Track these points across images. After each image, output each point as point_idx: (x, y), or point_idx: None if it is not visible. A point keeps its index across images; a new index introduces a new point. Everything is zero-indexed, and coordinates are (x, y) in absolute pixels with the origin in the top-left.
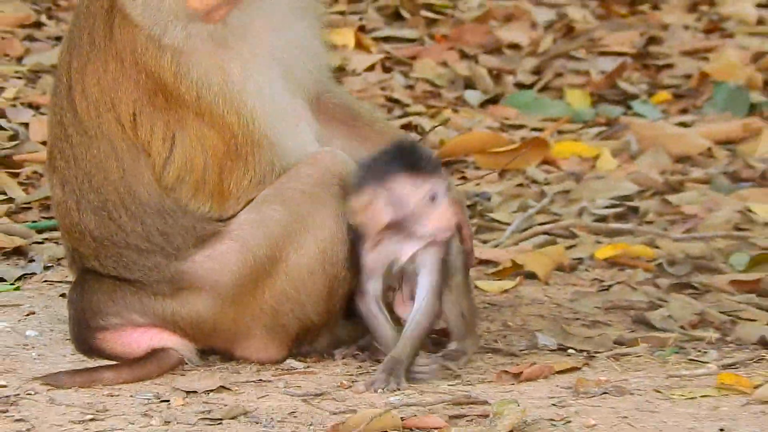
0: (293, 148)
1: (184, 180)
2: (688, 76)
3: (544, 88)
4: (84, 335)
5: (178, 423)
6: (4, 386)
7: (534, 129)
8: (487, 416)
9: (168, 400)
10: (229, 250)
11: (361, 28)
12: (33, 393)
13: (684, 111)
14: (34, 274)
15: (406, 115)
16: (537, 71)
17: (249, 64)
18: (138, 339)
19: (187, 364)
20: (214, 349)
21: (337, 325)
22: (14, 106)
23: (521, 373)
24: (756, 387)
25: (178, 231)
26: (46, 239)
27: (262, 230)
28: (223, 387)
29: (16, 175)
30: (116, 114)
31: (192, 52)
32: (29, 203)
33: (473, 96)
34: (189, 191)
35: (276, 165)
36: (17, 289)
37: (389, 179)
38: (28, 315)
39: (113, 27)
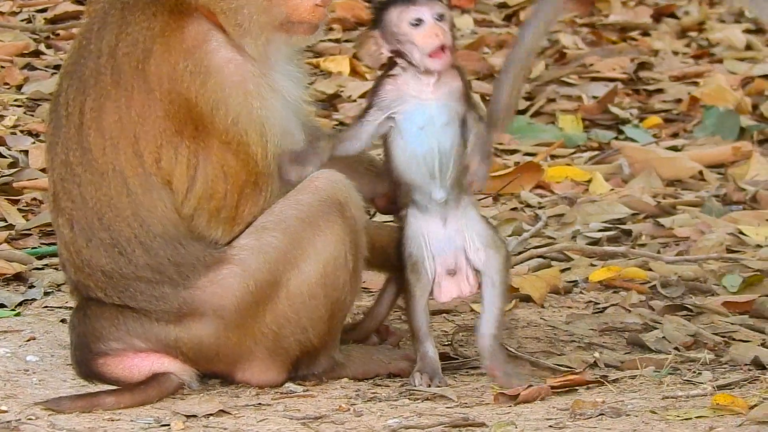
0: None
1: (203, 208)
2: (678, 101)
3: (537, 114)
4: (85, 360)
5: None
6: (5, 411)
7: (527, 154)
8: None
9: (168, 425)
10: (231, 275)
11: (356, 56)
12: (34, 418)
13: (675, 135)
14: (34, 300)
15: None
16: (529, 97)
17: (273, 100)
18: (139, 364)
19: (186, 388)
20: (215, 372)
21: (336, 349)
22: (14, 133)
23: (518, 395)
24: (751, 407)
25: (189, 260)
26: (46, 265)
27: (262, 256)
28: (222, 411)
29: (16, 202)
30: (137, 148)
31: (238, 80)
32: (29, 230)
33: None
34: (205, 218)
35: (284, 193)
36: (17, 314)
37: (382, 16)
38: (28, 340)
39: (149, 59)
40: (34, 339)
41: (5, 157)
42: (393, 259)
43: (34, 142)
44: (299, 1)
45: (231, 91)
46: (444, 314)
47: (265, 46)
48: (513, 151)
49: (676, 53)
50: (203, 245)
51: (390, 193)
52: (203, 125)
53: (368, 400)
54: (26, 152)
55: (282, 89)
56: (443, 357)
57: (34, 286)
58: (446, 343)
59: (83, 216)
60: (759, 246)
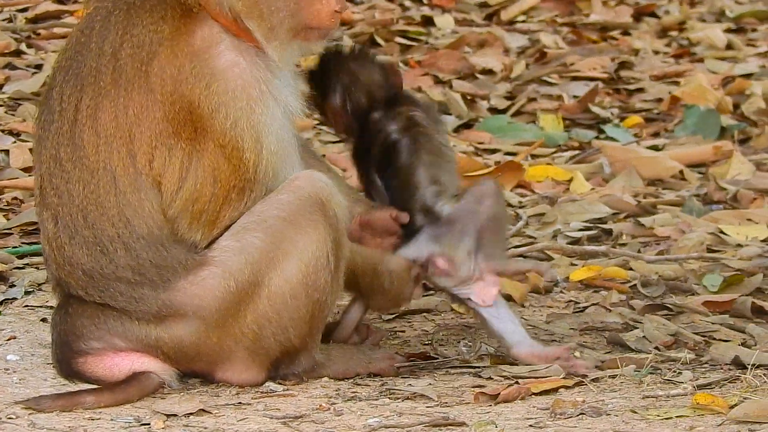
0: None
1: (187, 210)
2: (659, 100)
3: (518, 113)
4: (66, 358)
5: None
6: None
7: (508, 153)
8: None
9: (148, 424)
10: (211, 276)
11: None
12: (14, 417)
13: (655, 134)
14: (15, 299)
15: None
16: (510, 96)
17: (274, 109)
18: (119, 363)
19: (167, 387)
20: (195, 372)
21: (316, 349)
22: None
23: (498, 394)
24: (731, 407)
25: (171, 263)
26: (27, 264)
27: (244, 256)
28: (203, 410)
29: None
30: (130, 148)
31: (242, 84)
32: (10, 229)
33: (448, 121)
34: (186, 221)
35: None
36: None
37: None
38: (9, 339)
39: (153, 60)
40: (15, 338)
41: None
42: (362, 285)
43: (15, 142)
44: (321, 6)
45: (234, 95)
46: (424, 314)
47: (284, 51)
48: (493, 151)
49: (656, 53)
50: (184, 248)
51: (363, 217)
52: (202, 127)
53: (348, 400)
54: (7, 152)
55: (283, 98)
56: (424, 356)
57: (15, 286)
58: (426, 342)
59: (68, 212)
60: (739, 245)
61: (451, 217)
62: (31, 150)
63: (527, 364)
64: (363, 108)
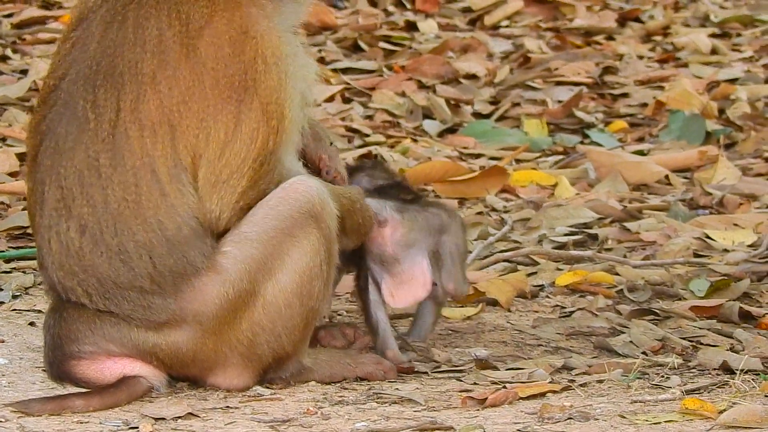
0: (292, 173)
1: (220, 178)
2: (643, 105)
3: (502, 118)
4: (58, 361)
5: None
6: None
7: (492, 158)
8: None
9: (137, 427)
10: (212, 282)
11: (321, 60)
12: (3, 420)
13: (640, 139)
14: (2, 303)
15: (365, 145)
16: (494, 101)
17: (308, 78)
18: (111, 367)
19: (155, 391)
20: (186, 377)
21: (305, 354)
22: None
23: (486, 398)
24: (720, 412)
25: (185, 268)
26: (14, 269)
27: (243, 265)
28: (191, 414)
29: None
30: (173, 135)
31: (290, 51)
32: None
33: (432, 126)
34: (218, 192)
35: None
36: None
37: None
38: None
39: (203, 32)
40: (3, 342)
41: None
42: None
43: (0, 147)
44: None
45: (286, 59)
46: (411, 317)
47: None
48: (478, 155)
49: (641, 57)
50: (202, 248)
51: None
52: (254, 86)
53: (336, 404)
54: None
55: (301, 71)
56: (410, 369)
57: (2, 289)
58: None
59: (97, 221)
60: (726, 250)
61: (418, 211)
62: (21, 155)
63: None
64: None
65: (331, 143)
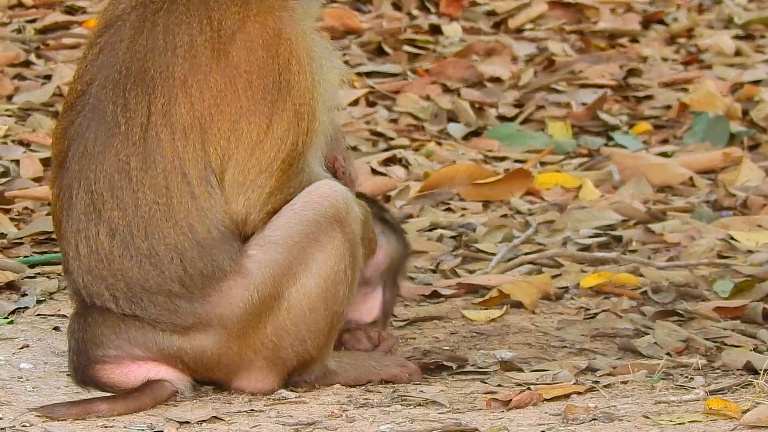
0: (318, 177)
1: (248, 179)
2: (667, 107)
3: (526, 121)
4: (83, 366)
5: None
6: (0, 419)
7: (517, 161)
8: None
9: (161, 431)
10: (236, 285)
11: (345, 64)
12: (28, 425)
13: (665, 141)
14: (27, 308)
15: (390, 148)
16: (519, 104)
17: (335, 81)
18: (135, 371)
19: (180, 395)
20: (211, 380)
21: (329, 357)
22: (5, 143)
23: (510, 400)
24: (744, 412)
25: (214, 271)
26: (39, 274)
27: (267, 269)
28: (215, 417)
29: (7, 211)
30: (205, 137)
31: (320, 52)
32: (21, 238)
33: (456, 129)
34: (247, 193)
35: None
36: (11, 323)
37: None
38: (22, 348)
39: (236, 37)
40: (28, 347)
41: None
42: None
43: (25, 152)
44: None
45: (318, 61)
46: (435, 320)
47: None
48: (502, 158)
49: (665, 60)
50: (230, 251)
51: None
52: (287, 87)
53: (360, 406)
54: (17, 162)
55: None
56: (436, 363)
57: (27, 295)
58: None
59: (128, 224)
60: (750, 251)
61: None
62: (45, 160)
63: None
64: None
65: (347, 147)
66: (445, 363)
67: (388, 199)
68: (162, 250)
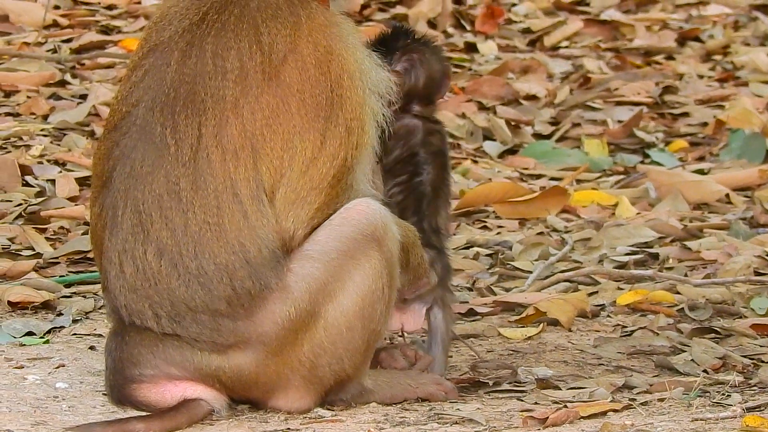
0: (362, 194)
1: (299, 195)
2: (704, 124)
3: (562, 138)
4: (119, 385)
5: None
6: None
7: (553, 178)
8: None
9: None
10: (275, 300)
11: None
12: None
13: (701, 158)
14: (62, 327)
15: None
16: (554, 122)
17: (380, 102)
18: (172, 390)
19: (215, 414)
20: (248, 399)
21: (365, 376)
22: (41, 163)
23: (547, 418)
24: None
25: (261, 290)
26: (74, 293)
27: (305, 284)
28: None
29: (43, 231)
30: (256, 157)
31: (369, 66)
32: (57, 258)
33: (492, 147)
34: (295, 209)
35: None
36: (46, 342)
37: None
38: (58, 368)
39: (287, 58)
40: (64, 366)
41: (32, 186)
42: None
43: (60, 171)
44: None
45: (367, 75)
46: (471, 338)
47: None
48: (538, 176)
49: (701, 77)
50: (277, 267)
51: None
52: (340, 102)
53: (396, 425)
54: (53, 181)
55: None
56: (472, 381)
57: (63, 314)
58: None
59: (176, 244)
60: None
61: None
62: (80, 179)
63: None
64: (413, 93)
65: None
66: (491, 376)
67: None
68: (211, 270)
